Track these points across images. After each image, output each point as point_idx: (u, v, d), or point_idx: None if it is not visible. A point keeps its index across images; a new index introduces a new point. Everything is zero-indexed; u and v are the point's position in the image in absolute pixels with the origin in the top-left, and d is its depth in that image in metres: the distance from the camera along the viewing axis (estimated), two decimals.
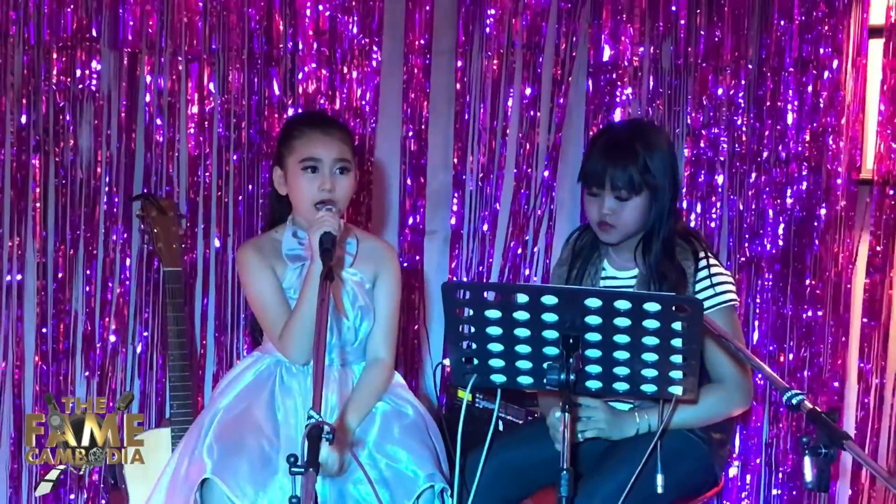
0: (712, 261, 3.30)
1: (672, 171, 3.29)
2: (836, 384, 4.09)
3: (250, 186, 4.25)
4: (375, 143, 4.31)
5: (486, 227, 4.33)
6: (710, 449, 3.31)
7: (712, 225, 4.18)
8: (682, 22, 4.15)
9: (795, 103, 4.08)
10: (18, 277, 4.18)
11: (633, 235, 3.31)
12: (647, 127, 3.53)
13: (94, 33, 4.16)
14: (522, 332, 2.78)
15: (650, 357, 2.76)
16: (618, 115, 4.20)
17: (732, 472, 4.16)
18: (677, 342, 2.72)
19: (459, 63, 4.30)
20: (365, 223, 4.22)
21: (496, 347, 2.82)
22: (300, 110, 4.19)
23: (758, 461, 4.16)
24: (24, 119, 4.14)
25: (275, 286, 3.36)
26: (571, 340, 2.74)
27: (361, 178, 3.71)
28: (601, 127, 3.97)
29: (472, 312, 2.79)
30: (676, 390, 2.83)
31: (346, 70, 4.27)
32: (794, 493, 4.13)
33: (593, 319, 2.71)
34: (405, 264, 4.28)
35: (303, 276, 3.27)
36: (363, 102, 4.28)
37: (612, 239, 3.30)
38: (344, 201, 3.33)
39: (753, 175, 4.13)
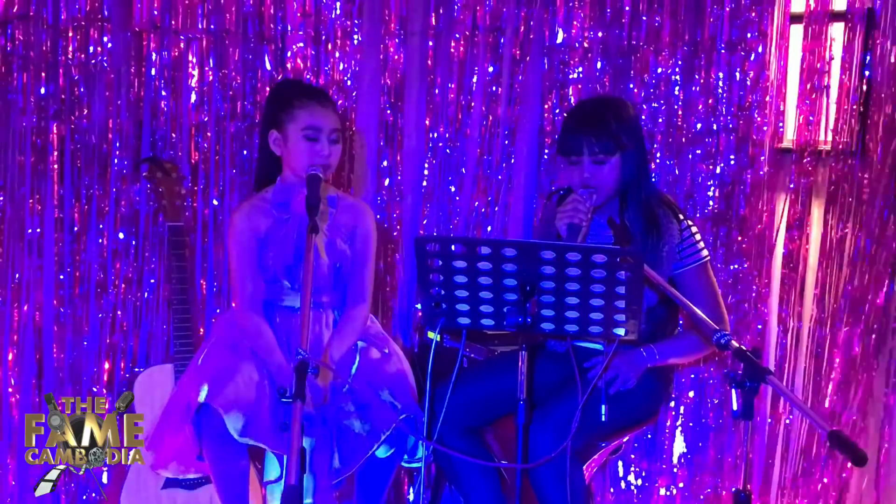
0: (691, 222, 3.31)
1: (639, 134, 3.29)
2: (759, 327, 4.09)
3: (245, 152, 4.21)
4: (356, 114, 4.28)
5: (453, 189, 4.31)
6: (659, 386, 3.32)
7: None
8: (627, 8, 4.11)
9: (726, 81, 4.07)
10: (39, 231, 4.13)
11: (612, 196, 3.29)
12: (613, 99, 3.55)
13: (105, 14, 4.10)
14: (485, 281, 2.77)
15: (597, 302, 2.76)
16: (570, 92, 4.18)
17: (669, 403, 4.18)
18: (621, 289, 2.72)
19: (430, 43, 4.26)
20: (347, 184, 4.19)
21: (462, 294, 2.82)
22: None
23: (690, 394, 4.17)
24: (43, 90, 4.09)
25: (251, 257, 3.34)
26: (528, 288, 2.74)
27: (343, 145, 3.70)
28: (572, 106, 3.96)
29: (440, 263, 2.78)
30: (620, 331, 2.83)
31: (329, 48, 4.23)
32: (721, 421, 4.15)
33: (547, 269, 2.71)
34: (382, 221, 4.26)
35: (289, 225, 3.28)
36: (345, 77, 4.25)
37: (595, 201, 3.25)
38: (335, 165, 3.35)
39: (688, 144, 4.12)
